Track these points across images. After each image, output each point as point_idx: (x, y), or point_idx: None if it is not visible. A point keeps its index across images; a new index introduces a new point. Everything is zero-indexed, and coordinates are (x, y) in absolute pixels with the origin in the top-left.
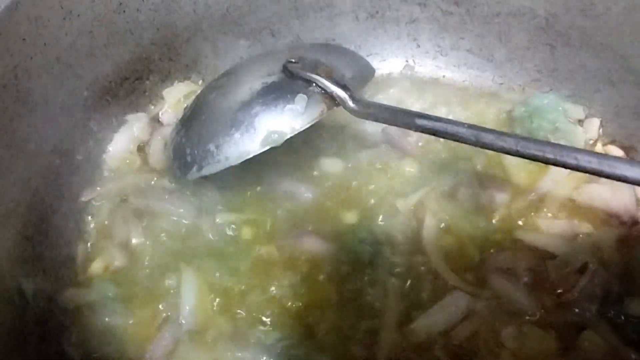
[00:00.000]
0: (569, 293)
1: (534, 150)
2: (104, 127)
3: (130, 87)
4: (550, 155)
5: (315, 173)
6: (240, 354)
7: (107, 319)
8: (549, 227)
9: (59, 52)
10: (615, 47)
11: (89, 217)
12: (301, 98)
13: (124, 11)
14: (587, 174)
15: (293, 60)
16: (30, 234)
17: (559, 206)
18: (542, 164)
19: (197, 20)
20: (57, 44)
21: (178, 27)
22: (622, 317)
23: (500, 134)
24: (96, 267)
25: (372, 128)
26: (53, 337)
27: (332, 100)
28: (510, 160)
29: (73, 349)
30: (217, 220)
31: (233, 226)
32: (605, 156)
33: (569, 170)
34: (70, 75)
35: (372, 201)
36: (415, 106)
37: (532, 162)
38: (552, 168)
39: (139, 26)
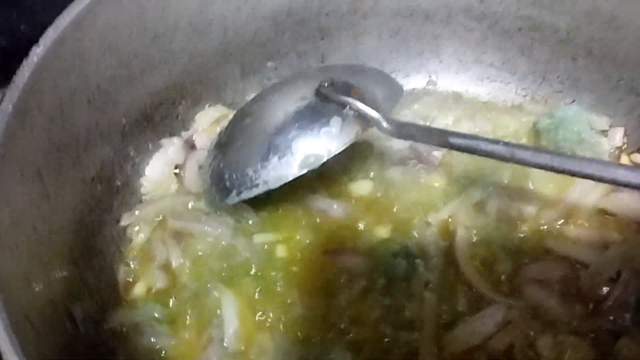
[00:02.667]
0: (603, 302)
1: (569, 166)
2: (141, 152)
3: (164, 112)
4: (588, 171)
5: (346, 190)
6: None
7: (153, 340)
8: (580, 237)
9: (99, 83)
10: (637, 58)
11: (129, 241)
12: (336, 121)
13: (159, 43)
14: None
15: (325, 84)
16: (76, 258)
17: (588, 216)
18: None
19: (226, 45)
20: (98, 76)
21: (208, 53)
22: None
23: (536, 150)
24: (139, 289)
25: (399, 145)
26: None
27: (366, 121)
28: (536, 172)
29: None
30: (254, 240)
31: (270, 244)
32: None
33: None
34: (110, 105)
35: (404, 216)
36: (440, 121)
37: None
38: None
39: (172, 55)
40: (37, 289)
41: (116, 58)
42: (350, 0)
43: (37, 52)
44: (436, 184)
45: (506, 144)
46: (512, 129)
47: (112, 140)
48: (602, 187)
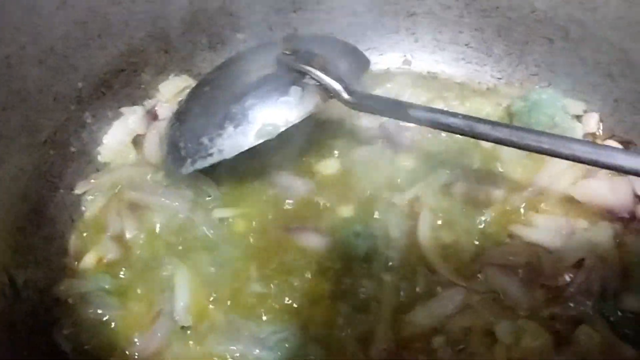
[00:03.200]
0: (565, 289)
1: (529, 140)
2: (99, 119)
3: (125, 79)
4: (546, 146)
5: (312, 168)
6: (233, 347)
7: (100, 311)
8: (545, 223)
9: (52, 42)
10: (614, 41)
11: (83, 209)
12: (295, 90)
13: (119, 3)
14: (584, 169)
15: (287, 52)
16: (23, 224)
17: (555, 202)
18: (539, 159)
19: (194, 13)
20: (51, 33)
21: (174, 19)
22: (618, 313)
23: (495, 124)
24: (89, 259)
25: (370, 123)
26: (44, 328)
27: (327, 92)
28: (506, 156)
29: (64, 340)
30: (213, 214)
31: (230, 220)
32: (601, 146)
33: (565, 166)
34: (64, 66)
35: (368, 195)
36: (413, 101)
37: (529, 157)
38: (549, 163)
39: (134, 18)
40: None
41: (71, 16)
42: None
43: None
44: (404, 165)
45: (465, 117)
46: (485, 111)
47: (67, 104)
48: (572, 174)
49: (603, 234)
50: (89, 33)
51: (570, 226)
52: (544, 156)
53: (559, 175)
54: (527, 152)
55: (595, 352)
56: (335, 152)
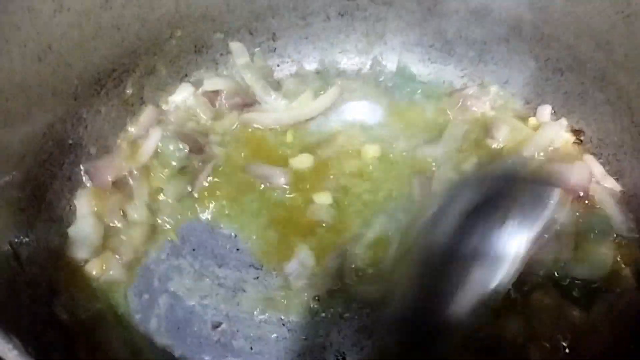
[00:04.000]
0: None
1: None
2: (94, 115)
3: (118, 78)
4: None
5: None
6: None
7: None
8: None
9: (50, 41)
10: (562, 38)
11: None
12: None
13: (111, 7)
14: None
15: None
16: (25, 206)
17: None
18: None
19: (179, 18)
20: (49, 33)
21: (161, 23)
22: (568, 280)
23: None
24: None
25: None
26: (43, 298)
27: None
28: None
29: (62, 310)
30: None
31: None
32: None
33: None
34: (62, 64)
35: None
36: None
37: None
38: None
39: (125, 21)
40: None
41: (67, 18)
42: None
43: None
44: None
45: None
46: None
47: (64, 99)
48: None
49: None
50: (84, 35)
51: None
52: None
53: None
54: None
55: (547, 314)
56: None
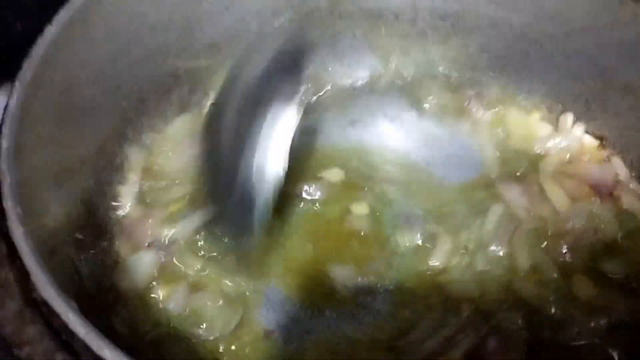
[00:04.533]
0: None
1: None
2: (139, 133)
3: (160, 98)
4: None
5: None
6: None
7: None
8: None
9: (102, 66)
10: (582, 49)
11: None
12: None
13: (155, 33)
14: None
15: None
16: (81, 224)
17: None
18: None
19: (215, 40)
20: (101, 59)
21: (200, 47)
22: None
23: None
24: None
25: None
26: (104, 312)
27: None
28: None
29: (120, 324)
30: None
31: None
32: None
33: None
34: (112, 88)
35: None
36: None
37: None
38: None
39: (167, 47)
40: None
41: (118, 45)
42: (328, 2)
43: (50, 31)
44: None
45: None
46: None
47: (113, 119)
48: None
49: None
50: (131, 59)
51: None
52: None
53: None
54: None
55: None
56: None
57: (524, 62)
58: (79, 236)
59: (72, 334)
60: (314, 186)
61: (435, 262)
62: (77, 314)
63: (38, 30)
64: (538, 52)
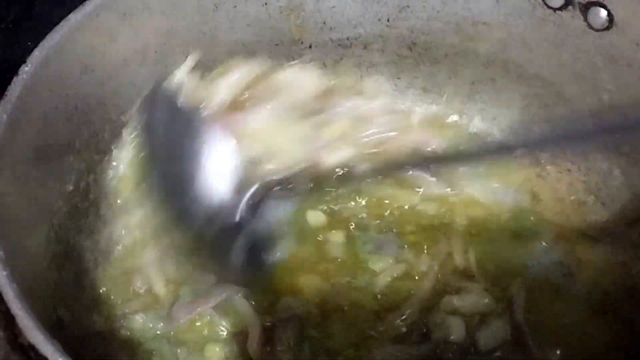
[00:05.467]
0: None
1: None
2: (110, 169)
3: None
4: None
5: None
6: None
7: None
8: None
9: (76, 102)
10: (547, 77)
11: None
12: None
13: (128, 66)
14: None
15: None
16: (57, 264)
17: None
18: None
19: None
20: (76, 96)
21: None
22: None
23: None
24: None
25: None
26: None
27: None
28: None
29: None
30: None
31: None
32: None
33: None
34: (85, 124)
35: None
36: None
37: None
38: None
39: (140, 80)
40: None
41: (92, 80)
42: (295, 32)
43: (25, 70)
44: None
45: None
46: None
47: (86, 156)
48: None
49: None
50: (105, 93)
51: None
52: None
53: None
54: None
55: None
56: None
57: (489, 89)
58: (59, 276)
59: None
60: None
61: None
62: (66, 357)
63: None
64: (504, 79)
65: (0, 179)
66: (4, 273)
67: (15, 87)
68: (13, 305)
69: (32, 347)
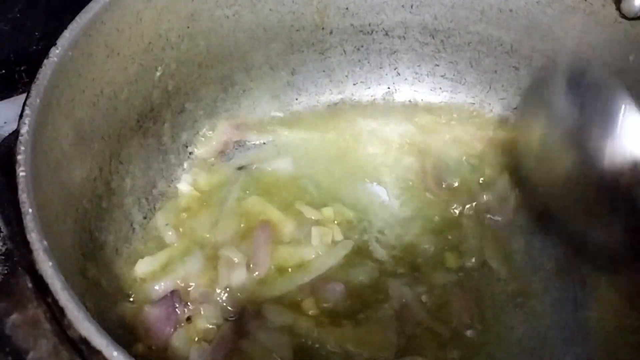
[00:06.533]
0: None
1: None
2: (134, 156)
3: (154, 118)
4: None
5: None
6: None
7: None
8: None
9: (102, 86)
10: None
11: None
12: None
13: (152, 50)
14: None
15: None
16: (85, 253)
17: None
18: None
19: (209, 57)
20: (102, 79)
21: (194, 63)
22: None
23: None
24: None
25: None
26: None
27: None
28: None
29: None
30: None
31: None
32: None
33: None
34: (110, 108)
35: None
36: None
37: None
38: None
39: (163, 63)
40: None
41: (117, 62)
42: (317, 18)
43: (56, 53)
44: None
45: None
46: None
47: (110, 142)
48: None
49: None
50: (129, 76)
51: None
52: None
53: None
54: None
55: None
56: None
57: (512, 78)
58: (88, 267)
59: None
60: None
61: None
62: (122, 351)
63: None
64: (527, 69)
65: (37, 165)
66: (50, 264)
67: (47, 69)
68: (61, 297)
69: (83, 341)
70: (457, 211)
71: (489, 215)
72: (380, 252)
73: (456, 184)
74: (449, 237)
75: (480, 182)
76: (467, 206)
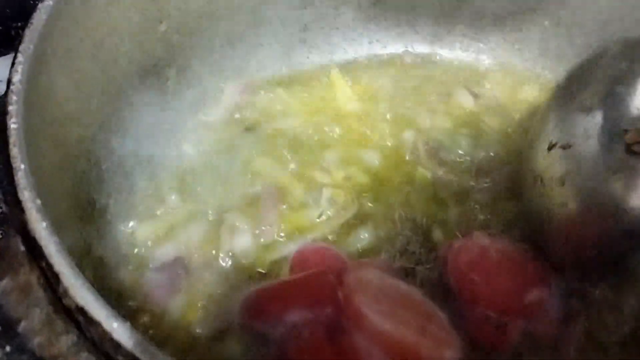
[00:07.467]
0: None
1: None
2: (136, 114)
3: (158, 73)
4: None
5: None
6: None
7: None
8: None
9: (102, 36)
10: (602, 25)
11: None
12: None
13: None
14: None
15: None
16: (83, 215)
17: None
18: None
19: (214, 8)
20: (102, 28)
21: (200, 15)
22: None
23: None
24: None
25: None
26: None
27: None
28: None
29: None
30: None
31: None
32: None
33: None
34: (110, 61)
35: None
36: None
37: None
38: None
39: (166, 12)
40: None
41: (118, 10)
42: None
43: None
44: None
45: None
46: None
47: (111, 99)
48: None
49: None
50: (131, 27)
51: None
52: None
53: None
54: None
55: None
56: None
57: (538, 38)
58: (84, 231)
59: (116, 345)
60: None
61: None
62: (122, 322)
63: None
64: (555, 28)
65: (30, 118)
66: (43, 224)
67: (41, 13)
68: (56, 262)
69: (80, 310)
70: None
71: None
72: None
73: None
74: None
75: None
76: None
